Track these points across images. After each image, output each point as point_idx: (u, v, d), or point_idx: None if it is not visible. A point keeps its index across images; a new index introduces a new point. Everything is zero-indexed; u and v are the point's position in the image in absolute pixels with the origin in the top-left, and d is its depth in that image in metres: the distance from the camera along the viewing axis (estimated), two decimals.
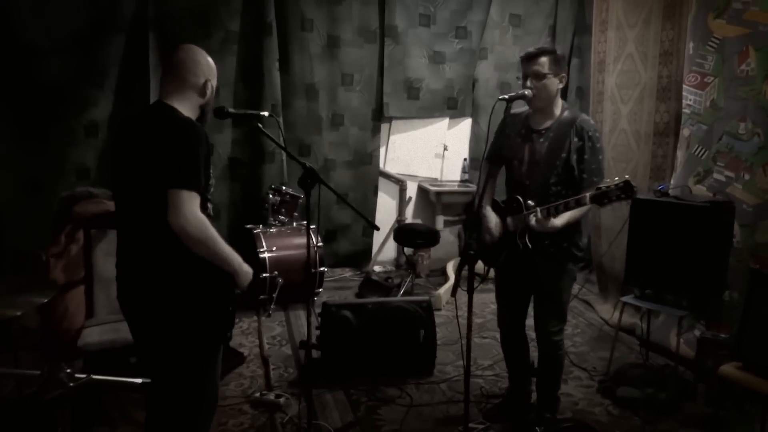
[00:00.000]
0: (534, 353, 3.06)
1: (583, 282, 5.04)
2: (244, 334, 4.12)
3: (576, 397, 3.37)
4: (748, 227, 3.50)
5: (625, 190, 2.44)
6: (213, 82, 2.15)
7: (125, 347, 2.74)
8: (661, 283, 3.54)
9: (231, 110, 2.39)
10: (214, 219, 2.46)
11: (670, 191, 3.73)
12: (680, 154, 4.04)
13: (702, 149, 3.86)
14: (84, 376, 1.49)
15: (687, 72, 3.97)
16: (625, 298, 3.71)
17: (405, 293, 4.76)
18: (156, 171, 1.90)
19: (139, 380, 1.59)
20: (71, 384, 1.45)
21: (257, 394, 3.26)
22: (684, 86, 3.98)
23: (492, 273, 3.03)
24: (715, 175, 3.75)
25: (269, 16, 5.06)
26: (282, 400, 3.19)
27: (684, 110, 4.00)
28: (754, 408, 3.00)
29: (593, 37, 5.14)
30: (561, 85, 2.77)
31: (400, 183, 5.76)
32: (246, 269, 2.08)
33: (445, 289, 4.89)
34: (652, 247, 3.56)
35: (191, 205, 1.88)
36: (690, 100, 3.94)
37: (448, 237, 5.46)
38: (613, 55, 4.84)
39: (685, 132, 4.01)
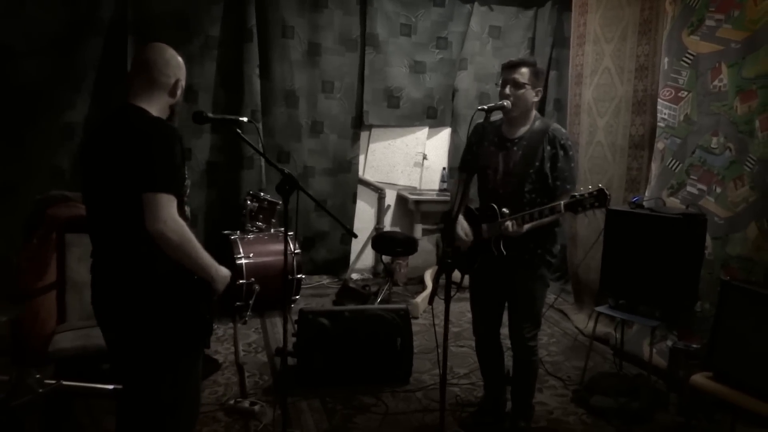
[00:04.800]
0: (509, 362, 3.07)
1: (559, 292, 5.09)
2: (219, 341, 4.09)
3: (550, 406, 3.40)
4: (719, 239, 3.57)
5: (599, 198, 2.49)
6: (183, 82, 2.10)
7: (98, 353, 2.69)
8: (635, 294, 3.59)
9: (210, 115, 2.37)
10: (191, 223, 2.44)
11: (644, 203, 3.79)
12: (654, 166, 4.11)
13: (676, 162, 3.93)
14: (53, 382, 1.46)
15: (662, 86, 4.04)
16: (599, 308, 3.75)
17: (382, 301, 4.76)
18: (130, 175, 1.85)
19: (110, 386, 1.56)
20: (40, 390, 1.43)
21: (231, 402, 3.23)
22: (659, 100, 4.06)
23: (467, 281, 3.06)
24: (688, 188, 3.82)
25: (250, 22, 5.06)
26: (257, 407, 3.16)
27: (659, 124, 4.08)
28: (725, 417, 3.05)
29: (571, 50, 5.22)
30: (536, 99, 2.82)
31: (379, 191, 5.77)
32: (223, 274, 2.06)
33: (422, 298, 4.90)
34: (626, 258, 3.60)
35: (169, 208, 1.83)
36: (664, 114, 4.02)
37: (426, 245, 5.48)
38: (590, 68, 4.92)
39: (659, 145, 4.08)
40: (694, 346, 3.30)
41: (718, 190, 3.61)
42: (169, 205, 1.83)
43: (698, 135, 3.77)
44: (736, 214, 3.48)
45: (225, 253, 4.44)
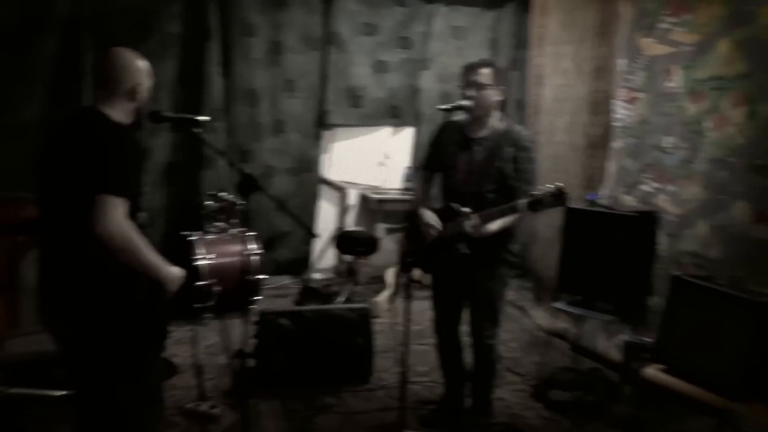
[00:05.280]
0: (469, 359, 3.11)
1: (518, 289, 5.15)
2: (178, 344, 4.02)
3: (509, 402, 3.44)
4: (672, 237, 3.66)
5: (558, 197, 2.54)
6: (146, 84, 2.11)
7: (51, 359, 2.63)
8: (592, 290, 3.66)
9: (167, 114, 2.35)
10: (147, 226, 2.41)
11: (601, 201, 3.88)
12: (611, 165, 4.20)
13: (631, 162, 4.02)
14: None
15: (618, 87, 4.13)
16: (557, 305, 3.81)
17: (344, 301, 4.76)
18: (84, 177, 1.87)
19: (60, 393, 1.53)
20: None
21: (190, 405, 3.19)
22: (615, 101, 4.15)
23: (428, 279, 3.08)
24: (643, 187, 3.91)
25: (210, 20, 4.99)
26: (216, 410, 3.13)
27: (615, 124, 4.17)
28: (676, 408, 3.14)
29: (531, 51, 5.30)
30: (500, 98, 2.85)
31: (341, 190, 5.76)
32: (175, 273, 2.05)
33: (384, 297, 4.91)
34: (583, 254, 3.68)
35: (117, 211, 1.85)
36: (621, 114, 4.11)
37: (389, 245, 5.49)
38: (549, 69, 5.00)
39: (616, 145, 4.17)
40: (647, 339, 3.38)
41: (671, 188, 3.71)
42: (117, 207, 1.86)
43: (652, 135, 3.87)
44: (688, 212, 3.58)
45: (184, 255, 4.38)
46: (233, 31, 5.14)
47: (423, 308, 4.64)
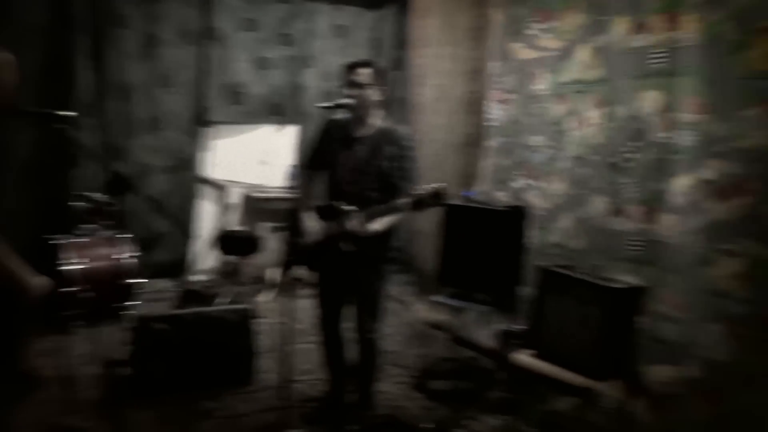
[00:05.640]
0: (353, 355, 3.14)
1: (401, 283, 5.27)
2: (44, 355, 3.75)
3: (392, 394, 3.52)
4: (540, 229, 3.90)
5: (437, 196, 2.62)
6: (7, 80, 1.94)
7: None
8: (469, 282, 3.83)
9: (25, 109, 2.19)
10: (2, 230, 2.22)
11: (476, 197, 4.05)
12: (486, 163, 4.41)
13: (504, 159, 4.24)
14: None
15: (490, 89, 4.34)
16: (437, 298, 3.94)
17: (227, 302, 4.64)
18: None
19: None
20: None
21: (59, 420, 2.98)
22: (489, 101, 4.36)
23: (311, 278, 3.08)
24: (515, 183, 4.14)
25: (78, 10, 4.69)
26: (87, 423, 2.96)
27: (489, 123, 4.38)
28: (545, 390, 3.35)
29: (413, 52, 5.44)
30: (381, 97, 2.90)
31: (222, 189, 5.62)
32: (37, 282, 1.91)
33: (267, 296, 4.86)
34: (460, 249, 3.83)
35: None
36: (494, 114, 4.32)
37: (272, 244, 5.43)
38: (430, 70, 5.16)
39: (490, 143, 4.38)
40: (519, 327, 3.58)
41: (540, 184, 3.95)
42: None
43: (522, 134, 4.10)
44: (554, 206, 3.83)
45: (50, 260, 4.09)
46: (103, 23, 4.87)
47: (305, 306, 4.65)
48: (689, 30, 2.99)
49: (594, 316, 2.87)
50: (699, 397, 2.93)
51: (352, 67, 2.85)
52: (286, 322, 2.57)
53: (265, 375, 3.64)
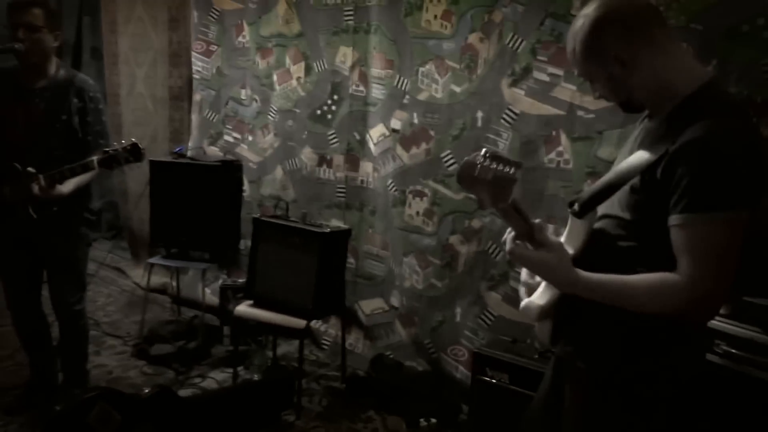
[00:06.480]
0: (56, 331, 2.87)
1: (112, 248, 4.93)
2: None
3: (110, 366, 3.33)
4: (254, 183, 3.97)
5: (133, 152, 2.47)
6: None
7: None
8: (186, 241, 3.74)
9: None
10: None
11: (187, 153, 3.93)
12: (194, 117, 4.28)
13: (212, 113, 4.17)
14: None
15: (194, 39, 4.18)
16: (152, 260, 3.78)
17: None
18: None
19: None
20: None
21: None
22: (192, 53, 4.20)
23: None
24: (225, 137, 4.11)
25: None
26: None
27: (194, 76, 4.23)
28: (268, 338, 3.50)
29: None
30: (56, 43, 2.60)
31: None
32: None
33: None
34: (174, 207, 3.71)
35: None
36: (199, 66, 4.19)
37: None
38: (123, 15, 4.74)
39: (197, 97, 4.25)
40: (240, 281, 3.65)
41: (250, 138, 3.99)
42: None
43: (229, 87, 4.06)
44: (265, 159, 3.92)
45: None
46: None
47: None
48: None
49: (306, 260, 3.05)
50: (401, 322, 3.35)
51: (21, 5, 2.49)
52: None
53: None
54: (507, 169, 1.25)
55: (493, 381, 2.45)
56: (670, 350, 1.34)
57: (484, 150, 1.27)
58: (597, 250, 1.39)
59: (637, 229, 1.34)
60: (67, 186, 2.50)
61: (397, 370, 3.18)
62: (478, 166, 1.25)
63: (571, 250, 1.39)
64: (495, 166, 1.25)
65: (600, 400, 1.41)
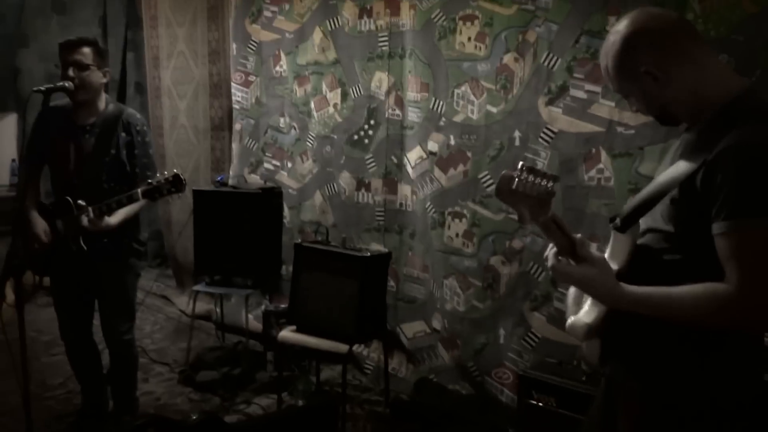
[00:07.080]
0: (106, 360, 2.94)
1: (159, 277, 5.04)
2: None
3: (158, 393, 3.38)
4: (294, 209, 4.02)
5: (175, 183, 2.52)
6: None
7: None
8: (228, 268, 3.80)
9: None
10: None
11: (228, 181, 4.01)
12: (235, 146, 4.38)
13: (252, 142, 4.25)
14: None
15: (233, 71, 4.30)
16: (197, 287, 3.85)
17: None
18: None
19: None
20: None
21: None
22: (232, 84, 4.31)
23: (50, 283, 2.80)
24: (265, 165, 4.18)
25: None
26: None
27: (234, 106, 4.34)
28: (310, 363, 3.51)
29: (145, 32, 5.12)
30: (105, 80, 2.70)
31: None
32: None
33: None
34: (216, 234, 3.78)
35: None
36: (238, 96, 4.29)
37: None
38: (165, 51, 4.91)
39: (237, 126, 4.35)
40: (283, 306, 3.68)
41: (289, 164, 4.05)
42: None
43: (268, 116, 4.14)
44: (304, 185, 3.97)
45: None
46: None
47: (49, 316, 4.22)
48: (406, 16, 3.29)
49: (348, 285, 3.06)
50: (444, 345, 3.32)
51: (71, 45, 2.59)
52: (20, 335, 2.29)
53: (7, 398, 3.22)
54: (544, 182, 1.26)
55: (540, 405, 2.40)
56: (726, 367, 1.29)
57: (521, 164, 1.28)
58: (642, 265, 1.36)
59: (681, 241, 1.31)
60: (116, 218, 2.58)
61: (441, 393, 3.15)
62: (516, 179, 1.27)
63: (615, 266, 1.36)
64: (532, 179, 1.26)
65: (657, 421, 1.36)
